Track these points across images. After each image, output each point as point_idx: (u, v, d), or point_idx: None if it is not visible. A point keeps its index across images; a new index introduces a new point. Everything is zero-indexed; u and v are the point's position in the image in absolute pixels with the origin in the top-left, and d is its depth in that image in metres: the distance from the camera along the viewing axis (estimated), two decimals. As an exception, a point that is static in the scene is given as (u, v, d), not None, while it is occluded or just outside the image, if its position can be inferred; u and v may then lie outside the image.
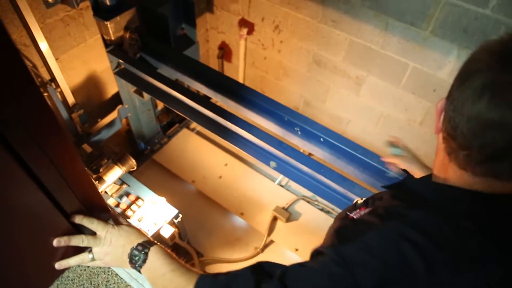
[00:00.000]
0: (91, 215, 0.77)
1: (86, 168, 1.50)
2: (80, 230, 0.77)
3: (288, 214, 1.91)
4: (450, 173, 0.60)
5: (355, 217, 0.67)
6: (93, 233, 0.77)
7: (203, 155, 2.22)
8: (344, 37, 1.98)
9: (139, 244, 0.75)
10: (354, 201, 0.80)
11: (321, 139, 1.32)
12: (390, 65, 1.89)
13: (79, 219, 0.76)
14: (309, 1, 1.96)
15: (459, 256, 0.55)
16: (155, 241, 0.77)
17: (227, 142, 1.60)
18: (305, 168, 1.31)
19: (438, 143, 0.62)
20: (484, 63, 0.51)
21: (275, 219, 1.93)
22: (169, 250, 0.76)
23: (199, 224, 1.94)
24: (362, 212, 0.66)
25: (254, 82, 2.68)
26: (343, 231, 0.65)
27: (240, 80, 2.69)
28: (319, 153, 1.34)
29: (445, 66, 1.75)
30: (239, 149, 1.51)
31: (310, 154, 1.59)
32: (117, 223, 0.79)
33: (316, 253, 0.64)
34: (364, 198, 0.77)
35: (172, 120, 2.38)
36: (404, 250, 0.55)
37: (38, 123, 0.58)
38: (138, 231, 0.79)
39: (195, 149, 2.26)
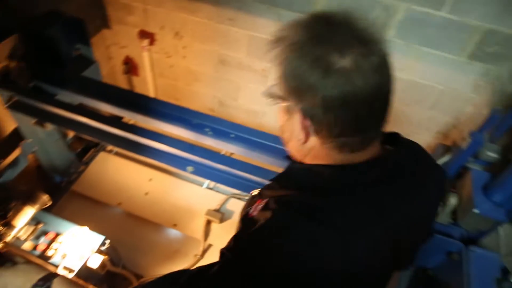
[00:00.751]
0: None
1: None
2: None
3: (220, 214, 1.92)
4: (316, 155, 0.67)
5: (254, 214, 0.70)
6: None
7: (125, 175, 2.15)
8: (242, 33, 2.04)
9: (39, 280, 0.72)
10: (251, 194, 0.84)
11: (232, 135, 1.36)
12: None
13: None
14: (203, 4, 1.99)
15: (339, 223, 0.61)
16: (58, 273, 0.74)
17: (148, 158, 1.58)
18: (221, 167, 1.34)
19: (292, 141, 0.68)
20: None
21: (209, 222, 1.93)
22: (74, 279, 0.74)
23: (133, 246, 1.88)
24: (259, 207, 0.69)
25: (167, 92, 2.66)
26: (242, 235, 0.69)
27: (152, 92, 2.65)
28: (233, 149, 1.37)
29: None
30: (158, 161, 1.50)
31: (231, 154, 1.62)
32: (15, 263, 0.75)
33: (221, 254, 0.67)
34: (258, 190, 0.80)
35: (87, 146, 2.27)
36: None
37: None
38: (38, 266, 0.76)
39: (116, 171, 2.18)
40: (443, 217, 1.28)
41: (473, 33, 1.63)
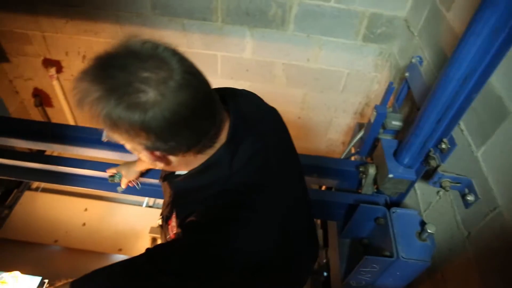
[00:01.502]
0: None
1: None
2: None
3: (164, 229, 1.90)
4: (186, 163, 0.72)
5: (173, 234, 0.77)
6: None
7: (58, 210, 2.05)
8: (153, 47, 2.03)
9: None
10: (159, 223, 0.94)
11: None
12: (202, 60, 2.02)
13: None
14: (104, 24, 1.95)
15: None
16: None
17: (78, 188, 1.52)
18: (149, 180, 1.33)
19: (157, 166, 0.72)
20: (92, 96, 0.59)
21: (154, 240, 1.91)
22: None
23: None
24: (175, 231, 0.77)
25: (87, 119, 2.55)
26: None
27: (71, 121, 2.53)
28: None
29: (246, 47, 1.95)
30: (89, 188, 1.45)
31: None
32: None
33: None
34: (160, 217, 0.90)
35: (7, 188, 2.11)
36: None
37: None
38: None
39: (47, 208, 2.06)
40: (366, 188, 1.40)
41: (361, 18, 1.79)
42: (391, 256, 1.13)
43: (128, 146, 0.66)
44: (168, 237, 0.80)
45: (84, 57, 2.14)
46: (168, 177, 0.81)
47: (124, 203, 2.09)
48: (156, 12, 1.84)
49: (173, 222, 0.76)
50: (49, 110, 2.55)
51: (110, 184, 1.41)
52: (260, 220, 0.69)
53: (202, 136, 0.66)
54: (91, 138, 1.45)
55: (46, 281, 1.41)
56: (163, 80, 0.58)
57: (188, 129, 0.63)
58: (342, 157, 1.77)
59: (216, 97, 0.68)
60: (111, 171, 1.32)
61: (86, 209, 2.05)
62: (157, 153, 0.65)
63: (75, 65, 2.20)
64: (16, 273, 1.40)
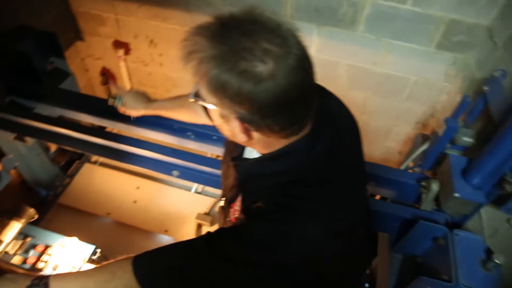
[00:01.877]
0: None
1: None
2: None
3: (211, 218, 1.92)
4: (264, 145, 0.70)
5: (234, 218, 0.76)
6: None
7: (112, 185, 2.13)
8: (218, 37, 2.04)
9: (34, 279, 0.71)
10: (219, 205, 0.90)
11: (214, 137, 1.36)
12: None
13: None
14: (175, 11, 1.99)
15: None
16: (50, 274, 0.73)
17: (133, 166, 1.57)
18: (206, 169, 1.34)
19: (236, 139, 0.71)
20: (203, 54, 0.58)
21: (199, 226, 1.93)
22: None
23: (124, 254, 1.86)
24: (236, 215, 0.76)
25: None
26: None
27: (132, 101, 2.62)
28: (216, 151, 1.38)
29: (311, 45, 1.91)
30: (144, 168, 1.49)
31: (218, 156, 1.61)
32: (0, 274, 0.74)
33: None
34: (223, 199, 0.87)
35: (71, 158, 2.24)
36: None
37: None
38: (26, 274, 0.75)
39: (103, 181, 2.15)
40: (427, 204, 1.31)
41: (438, 24, 1.68)
42: (449, 281, 1.05)
43: (216, 111, 0.64)
44: (227, 219, 0.79)
45: (151, 41, 2.20)
46: (236, 159, 0.79)
47: (174, 186, 2.13)
48: (226, 2, 1.85)
49: (237, 206, 0.76)
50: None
51: (164, 166, 1.44)
52: (323, 216, 0.68)
53: (297, 121, 0.65)
54: (151, 120, 1.49)
55: (99, 250, 1.47)
56: (283, 56, 0.57)
57: (289, 111, 0.62)
58: (402, 167, 1.68)
59: (316, 86, 0.67)
60: (114, 89, 1.26)
61: (138, 187, 2.12)
62: (247, 125, 0.64)
63: (142, 49, 2.28)
64: (74, 239, 1.46)
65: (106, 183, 2.14)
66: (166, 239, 1.93)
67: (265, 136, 0.66)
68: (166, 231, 1.93)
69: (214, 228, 1.87)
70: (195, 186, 2.11)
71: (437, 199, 1.33)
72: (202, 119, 1.04)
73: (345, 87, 2.07)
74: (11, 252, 1.42)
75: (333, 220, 0.69)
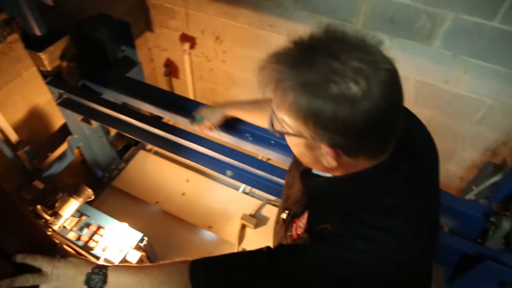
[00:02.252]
0: (36, 253, 0.73)
1: (39, 206, 1.44)
2: (25, 269, 0.73)
3: (255, 220, 1.91)
4: (347, 168, 0.66)
5: (296, 233, 0.72)
6: (39, 271, 0.73)
7: (163, 175, 2.18)
8: (283, 40, 2.01)
9: (94, 268, 0.73)
10: (281, 216, 0.84)
11: (272, 142, 1.34)
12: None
13: (21, 258, 0.73)
14: (244, 9, 1.99)
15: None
16: (109, 265, 0.75)
17: (186, 159, 1.59)
18: (260, 172, 1.32)
19: (318, 165, 0.67)
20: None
21: (243, 227, 1.93)
22: (127, 263, 0.77)
23: (168, 244, 1.90)
24: (299, 232, 0.71)
25: (205, 95, 2.68)
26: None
27: (191, 95, 2.68)
28: (273, 156, 1.35)
29: (380, 55, 1.82)
30: (197, 164, 1.50)
31: (268, 159, 1.60)
32: (65, 256, 0.76)
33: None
34: (287, 212, 0.82)
35: (128, 143, 2.33)
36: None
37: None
38: (87, 260, 0.77)
39: (155, 170, 2.22)
40: (494, 241, 1.19)
41: (528, 45, 1.53)
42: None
43: (301, 140, 0.61)
44: (289, 233, 0.76)
45: (217, 38, 2.23)
46: (307, 174, 0.76)
47: (222, 183, 2.14)
48: (298, 5, 1.82)
49: (301, 222, 0.73)
50: (174, 81, 2.73)
51: (219, 164, 1.44)
52: (396, 247, 0.63)
53: (387, 141, 0.61)
54: None
55: (146, 238, 1.51)
56: (374, 73, 0.54)
57: (383, 130, 0.58)
58: (466, 197, 1.56)
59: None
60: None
61: (188, 180, 2.16)
62: (339, 151, 0.60)
63: (207, 44, 2.31)
64: (125, 225, 1.51)
65: (158, 172, 2.20)
66: (209, 235, 1.94)
67: (354, 160, 0.63)
68: (210, 227, 1.95)
69: (258, 231, 1.88)
70: (243, 186, 2.11)
71: (506, 237, 1.21)
72: None
73: (411, 103, 1.96)
74: (68, 227, 1.49)
75: (407, 255, 0.64)
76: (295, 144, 0.65)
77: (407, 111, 0.78)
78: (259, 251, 0.68)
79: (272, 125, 0.65)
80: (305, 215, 0.73)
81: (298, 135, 0.61)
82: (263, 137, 1.37)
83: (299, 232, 0.72)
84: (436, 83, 1.83)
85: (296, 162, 0.83)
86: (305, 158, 0.68)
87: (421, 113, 1.98)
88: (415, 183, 0.67)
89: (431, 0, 1.56)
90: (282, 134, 0.64)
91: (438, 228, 0.80)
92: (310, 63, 0.54)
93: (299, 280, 0.62)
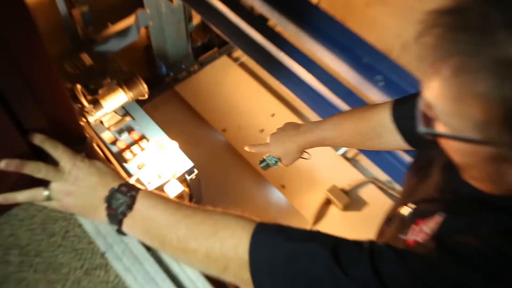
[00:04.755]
0: (58, 140, 0.77)
1: (80, 86, 1.53)
2: (40, 156, 0.77)
3: (347, 199, 1.88)
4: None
5: (413, 239, 0.72)
6: (56, 164, 0.77)
7: (243, 97, 2.21)
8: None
9: (122, 185, 0.75)
10: (400, 211, 0.84)
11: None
12: None
13: (39, 140, 0.75)
14: None
15: None
16: (140, 188, 0.76)
17: (279, 83, 1.56)
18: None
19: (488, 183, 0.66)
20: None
21: (328, 202, 1.92)
22: (164, 194, 0.78)
23: (221, 189, 1.96)
24: (421, 238, 0.71)
25: (333, 6, 2.55)
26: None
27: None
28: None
29: None
30: (293, 94, 1.49)
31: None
32: (90, 157, 0.79)
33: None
34: (409, 210, 0.81)
35: (210, 41, 2.36)
36: None
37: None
38: (116, 172, 0.79)
39: (235, 86, 2.24)
40: None
41: None
42: None
43: (489, 147, 0.58)
44: (402, 236, 0.75)
45: None
46: (453, 170, 0.72)
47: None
48: None
49: (427, 226, 0.71)
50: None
51: (321, 104, 1.39)
52: None
53: None
54: (332, 35, 1.44)
55: (196, 171, 1.55)
56: None
57: None
58: None
59: None
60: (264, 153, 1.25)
61: (273, 115, 2.16)
62: None
63: None
64: (175, 145, 1.56)
65: (238, 91, 2.22)
66: (277, 197, 1.97)
67: None
68: (283, 187, 1.96)
69: (345, 216, 1.86)
70: (344, 148, 2.06)
71: None
72: (391, 145, 1.00)
73: None
74: (106, 124, 1.59)
75: None
76: (471, 154, 0.61)
77: None
78: (358, 244, 0.66)
79: (427, 124, 0.61)
80: (437, 219, 0.70)
81: (484, 142, 0.56)
82: (399, 87, 1.29)
83: (419, 239, 0.70)
84: None
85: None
86: (476, 172, 0.66)
87: None
88: None
89: None
90: (452, 139, 0.60)
91: None
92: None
93: None
